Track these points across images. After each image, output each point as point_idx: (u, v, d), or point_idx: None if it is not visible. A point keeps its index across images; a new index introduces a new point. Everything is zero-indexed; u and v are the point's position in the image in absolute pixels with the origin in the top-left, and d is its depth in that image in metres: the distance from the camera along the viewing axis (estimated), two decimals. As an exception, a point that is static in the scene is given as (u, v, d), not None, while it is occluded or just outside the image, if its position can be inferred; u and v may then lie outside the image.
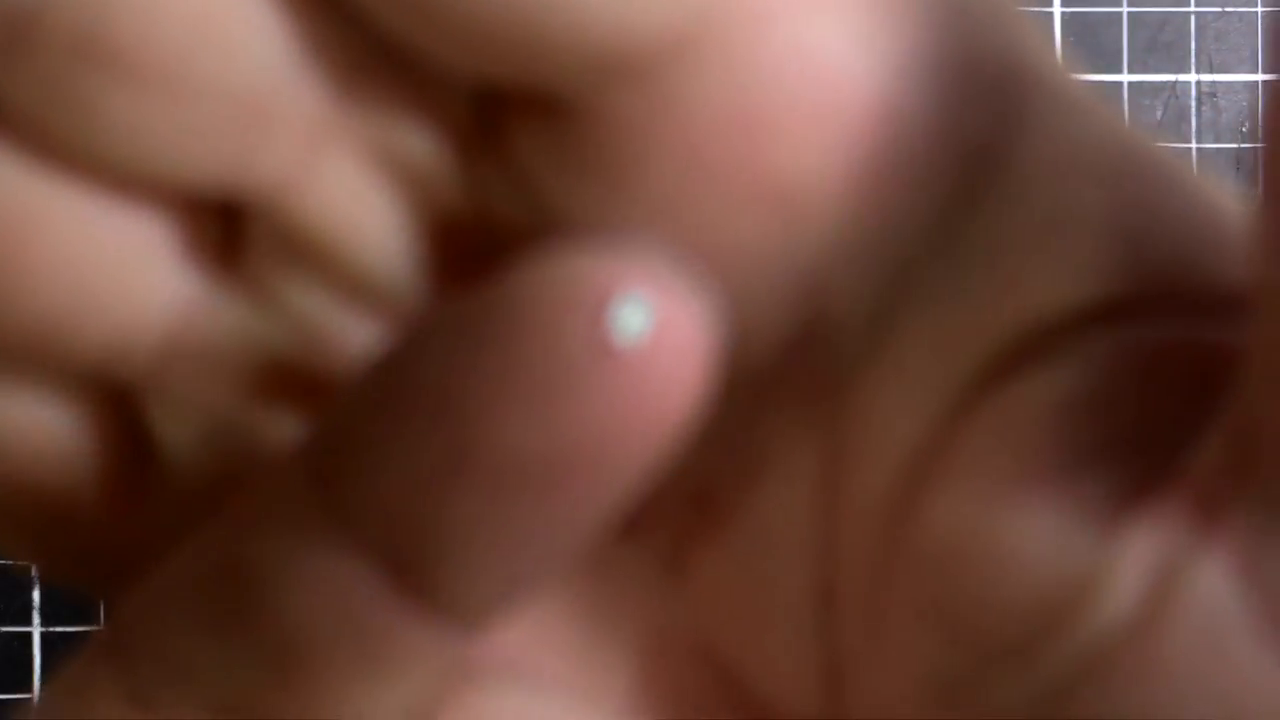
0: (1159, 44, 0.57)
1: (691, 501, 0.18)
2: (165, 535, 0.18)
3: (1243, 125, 0.58)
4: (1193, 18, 0.58)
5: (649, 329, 0.15)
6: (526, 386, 0.15)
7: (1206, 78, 0.58)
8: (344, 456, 0.16)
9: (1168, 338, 0.16)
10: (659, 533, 0.18)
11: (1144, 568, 0.15)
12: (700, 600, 0.18)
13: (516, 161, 0.16)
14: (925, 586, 0.16)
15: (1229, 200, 0.16)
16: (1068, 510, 0.16)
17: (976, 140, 0.16)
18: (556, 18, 0.15)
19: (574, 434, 0.15)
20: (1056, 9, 0.58)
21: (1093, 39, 0.58)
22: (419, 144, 0.16)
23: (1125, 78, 0.58)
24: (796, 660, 0.17)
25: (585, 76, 0.15)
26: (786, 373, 0.17)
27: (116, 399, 0.18)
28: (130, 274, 0.17)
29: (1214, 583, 0.15)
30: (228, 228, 0.17)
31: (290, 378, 0.18)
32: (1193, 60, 0.58)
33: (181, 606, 0.17)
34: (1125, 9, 0.58)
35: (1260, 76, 0.57)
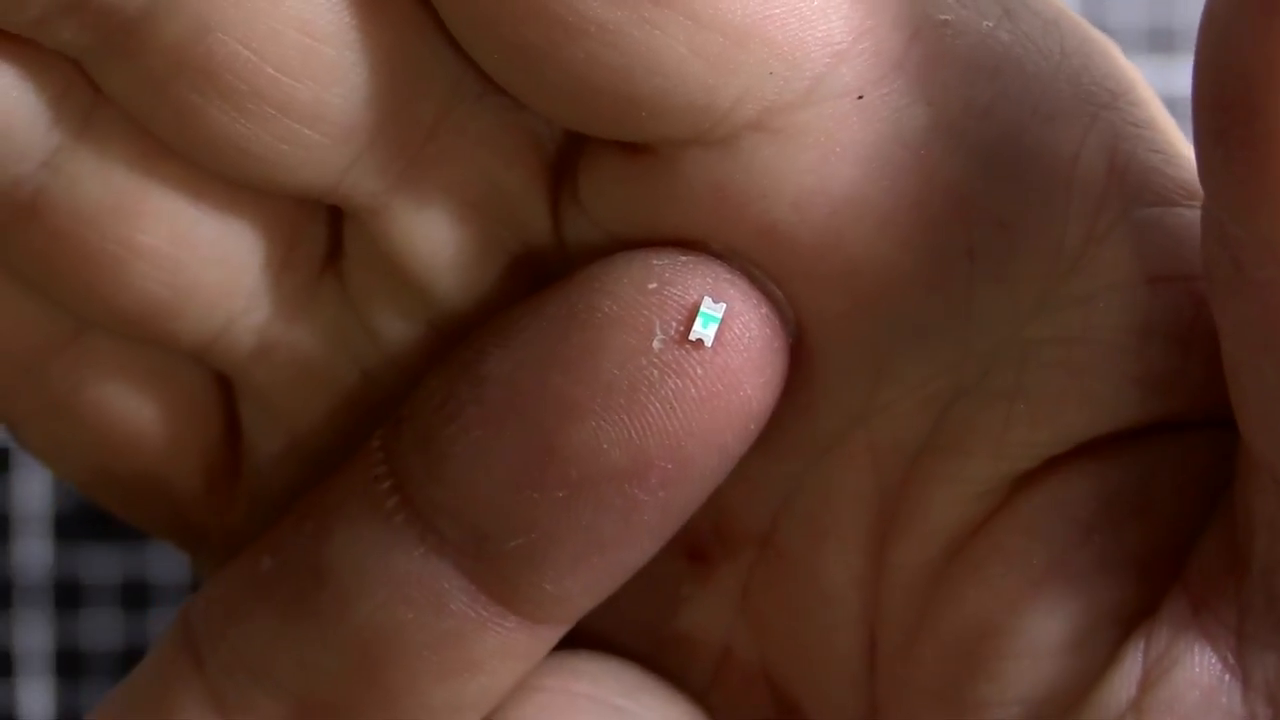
0: None
1: (759, 544, 0.19)
2: (251, 522, 0.19)
3: None
4: None
5: (723, 329, 0.16)
6: (608, 384, 0.16)
7: None
8: (427, 459, 0.17)
9: (1212, 452, 0.17)
10: (731, 569, 0.19)
11: (1142, 659, 0.16)
12: (762, 633, 0.19)
13: (594, 194, 0.17)
14: (945, 666, 0.17)
15: None
16: (1087, 615, 0.16)
17: (1051, 241, 0.16)
18: (647, 81, 0.15)
19: (654, 430, 0.16)
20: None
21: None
22: (509, 176, 0.17)
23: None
24: (844, 696, 0.19)
25: (668, 134, 0.16)
26: (850, 443, 0.17)
27: (223, 383, 0.19)
28: (229, 270, 0.17)
29: (1205, 675, 0.16)
30: (332, 233, 0.18)
31: (370, 394, 0.18)
32: None
33: (258, 606, 0.17)
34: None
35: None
